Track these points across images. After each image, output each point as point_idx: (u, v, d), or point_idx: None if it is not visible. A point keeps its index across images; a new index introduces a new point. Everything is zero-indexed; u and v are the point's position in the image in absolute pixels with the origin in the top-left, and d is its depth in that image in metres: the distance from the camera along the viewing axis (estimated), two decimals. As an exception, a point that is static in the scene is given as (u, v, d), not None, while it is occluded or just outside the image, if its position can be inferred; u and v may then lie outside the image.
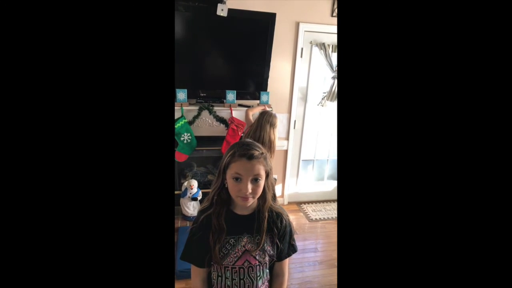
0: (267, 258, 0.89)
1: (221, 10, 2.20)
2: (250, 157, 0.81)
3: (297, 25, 2.58)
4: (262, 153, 0.84)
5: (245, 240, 0.88)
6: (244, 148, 0.82)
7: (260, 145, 0.86)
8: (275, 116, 2.06)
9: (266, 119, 2.02)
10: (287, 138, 2.88)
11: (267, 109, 2.35)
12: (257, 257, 0.88)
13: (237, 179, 0.81)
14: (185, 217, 2.57)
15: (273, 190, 0.92)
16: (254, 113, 2.36)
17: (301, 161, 3.02)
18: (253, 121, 2.26)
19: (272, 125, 2.03)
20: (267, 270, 0.92)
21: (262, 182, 0.83)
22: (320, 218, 2.84)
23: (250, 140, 0.88)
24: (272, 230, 0.89)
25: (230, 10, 2.23)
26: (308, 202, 3.11)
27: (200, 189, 2.60)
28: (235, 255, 0.87)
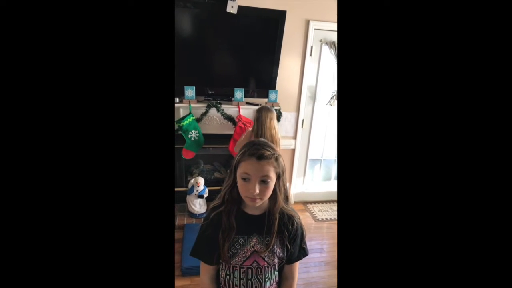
0: (276, 260, 0.88)
1: (231, 7, 2.19)
2: (260, 157, 0.79)
3: (307, 23, 2.55)
4: (274, 154, 0.82)
5: (254, 240, 0.86)
6: (254, 148, 0.81)
7: (273, 146, 0.85)
8: (271, 110, 2.06)
9: (265, 115, 2.03)
10: (295, 137, 2.86)
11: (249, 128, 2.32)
12: (265, 259, 0.87)
13: (245, 179, 0.80)
14: (192, 214, 2.57)
15: (286, 192, 0.90)
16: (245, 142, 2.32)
17: (308, 161, 3.00)
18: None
19: (272, 118, 2.03)
20: (276, 272, 0.91)
21: (271, 184, 0.82)
22: (326, 219, 2.82)
23: (263, 140, 0.87)
24: (282, 232, 0.88)
25: (240, 7, 2.21)
26: (315, 202, 3.09)
27: (207, 186, 2.60)
28: (243, 255, 0.86)
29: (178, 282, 1.94)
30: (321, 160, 3.08)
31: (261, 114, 2.03)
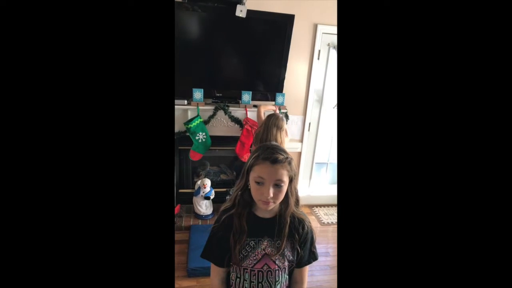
0: (286, 264, 0.89)
1: (240, 11, 2.20)
2: (274, 161, 0.80)
3: (315, 26, 2.56)
4: (287, 158, 0.83)
5: (265, 243, 0.87)
6: (268, 152, 0.82)
7: (285, 149, 0.86)
8: (281, 119, 2.03)
9: (272, 122, 2.01)
10: (301, 141, 2.86)
11: (277, 111, 2.34)
12: (276, 262, 0.88)
13: (259, 182, 0.81)
14: (198, 216, 2.59)
15: (297, 196, 0.91)
16: (266, 110, 2.35)
17: (314, 164, 3.00)
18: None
19: (279, 128, 2.00)
20: (286, 276, 0.91)
21: (284, 187, 0.82)
22: (332, 222, 2.82)
23: (276, 144, 0.88)
24: (293, 235, 0.89)
25: (248, 11, 2.23)
26: (321, 206, 3.09)
27: (213, 188, 2.61)
28: (254, 258, 0.87)
29: (183, 283, 1.95)
30: (327, 163, 3.07)
31: (269, 120, 2.01)
